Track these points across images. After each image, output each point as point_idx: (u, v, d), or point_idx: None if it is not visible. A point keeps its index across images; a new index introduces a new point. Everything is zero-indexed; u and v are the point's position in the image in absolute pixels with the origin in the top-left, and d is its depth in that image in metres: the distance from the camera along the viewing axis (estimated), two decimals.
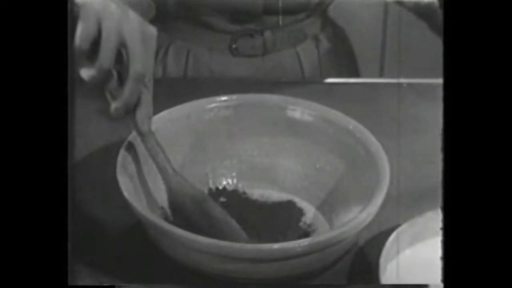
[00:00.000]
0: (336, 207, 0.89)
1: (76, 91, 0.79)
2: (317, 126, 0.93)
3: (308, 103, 0.94)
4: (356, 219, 0.79)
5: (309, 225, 0.88)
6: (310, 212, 0.90)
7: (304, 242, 0.75)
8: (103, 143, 0.98)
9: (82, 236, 0.82)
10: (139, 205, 0.78)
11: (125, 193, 0.79)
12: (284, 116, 0.94)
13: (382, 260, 0.77)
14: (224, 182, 0.93)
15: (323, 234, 0.76)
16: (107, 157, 0.86)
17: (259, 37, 1.18)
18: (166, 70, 1.20)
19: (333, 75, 1.23)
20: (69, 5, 0.74)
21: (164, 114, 0.90)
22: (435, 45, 0.81)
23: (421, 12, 1.04)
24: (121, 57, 0.80)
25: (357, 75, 1.30)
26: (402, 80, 1.15)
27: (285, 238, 0.84)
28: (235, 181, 0.94)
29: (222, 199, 0.91)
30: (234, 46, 1.18)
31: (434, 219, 0.78)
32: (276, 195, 0.92)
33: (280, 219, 0.89)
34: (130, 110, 0.82)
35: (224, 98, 0.94)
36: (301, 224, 0.88)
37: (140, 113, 0.83)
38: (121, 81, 0.81)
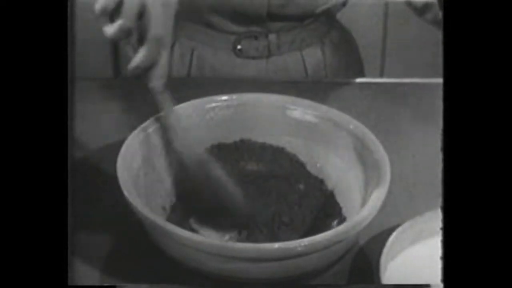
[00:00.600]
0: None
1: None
2: (317, 125, 0.93)
3: (308, 102, 0.94)
4: (356, 219, 0.79)
5: None
6: None
7: (304, 242, 0.75)
8: (103, 142, 0.98)
9: (82, 236, 0.82)
10: (140, 204, 0.78)
11: (125, 192, 0.79)
12: (284, 115, 0.94)
13: (382, 260, 0.77)
14: None
15: (323, 234, 0.75)
16: (108, 156, 0.86)
17: (264, 40, 1.18)
18: (171, 68, 1.20)
19: (339, 77, 1.23)
20: (69, 4, 0.74)
21: None
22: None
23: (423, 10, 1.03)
24: (142, 17, 0.82)
25: (362, 76, 1.30)
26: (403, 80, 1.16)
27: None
28: None
29: None
30: (238, 47, 1.18)
31: (434, 219, 0.78)
32: None
33: None
34: (147, 69, 0.84)
35: (224, 97, 0.94)
36: None
37: (155, 72, 0.85)
38: (141, 40, 0.83)
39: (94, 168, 0.93)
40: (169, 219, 0.85)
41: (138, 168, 0.85)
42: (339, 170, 0.91)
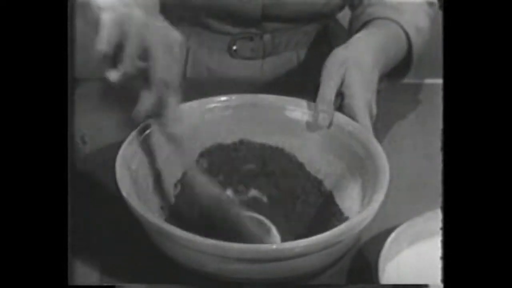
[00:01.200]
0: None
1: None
2: (316, 126, 0.93)
3: (307, 103, 0.94)
4: (355, 219, 0.79)
5: None
6: None
7: (304, 242, 0.75)
8: (103, 141, 0.98)
9: (82, 236, 0.82)
10: (138, 205, 0.78)
11: (124, 193, 0.79)
12: (284, 116, 0.94)
13: (381, 260, 0.77)
14: None
15: (322, 234, 0.75)
16: (107, 156, 0.86)
17: (259, 41, 1.18)
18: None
19: None
20: (69, 4, 0.74)
21: None
22: None
23: None
24: (146, 60, 0.79)
25: None
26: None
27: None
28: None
29: None
30: (233, 48, 1.18)
31: (434, 219, 0.78)
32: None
33: None
34: (153, 114, 0.82)
35: (223, 98, 0.95)
36: None
37: (168, 116, 0.83)
38: (147, 82, 0.80)
39: (94, 168, 0.93)
40: (167, 220, 0.85)
41: (137, 169, 0.85)
42: (338, 171, 0.91)
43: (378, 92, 0.97)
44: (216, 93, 0.94)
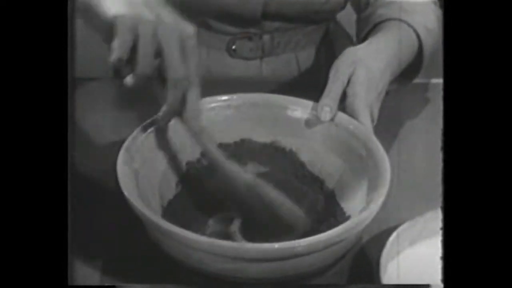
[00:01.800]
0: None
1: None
2: (318, 126, 0.93)
3: (309, 102, 0.94)
4: (357, 218, 0.79)
5: None
6: None
7: (304, 242, 0.75)
8: (103, 141, 0.98)
9: (82, 235, 0.82)
10: (140, 204, 0.78)
11: (125, 192, 0.79)
12: (285, 115, 0.94)
13: (382, 260, 0.77)
14: None
15: (323, 234, 0.75)
16: (108, 156, 0.86)
17: (258, 40, 1.18)
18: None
19: None
20: (69, 4, 0.74)
21: None
22: None
23: None
24: (161, 59, 0.80)
25: None
26: None
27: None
28: None
29: None
30: (233, 47, 1.18)
31: (434, 219, 0.78)
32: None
33: None
34: (176, 112, 0.83)
35: (225, 97, 0.94)
36: None
37: (188, 113, 0.83)
38: (164, 81, 0.81)
39: (94, 168, 0.93)
40: (168, 219, 0.85)
41: (138, 168, 0.85)
42: (339, 170, 0.91)
43: (387, 93, 0.97)
44: (214, 93, 0.94)
